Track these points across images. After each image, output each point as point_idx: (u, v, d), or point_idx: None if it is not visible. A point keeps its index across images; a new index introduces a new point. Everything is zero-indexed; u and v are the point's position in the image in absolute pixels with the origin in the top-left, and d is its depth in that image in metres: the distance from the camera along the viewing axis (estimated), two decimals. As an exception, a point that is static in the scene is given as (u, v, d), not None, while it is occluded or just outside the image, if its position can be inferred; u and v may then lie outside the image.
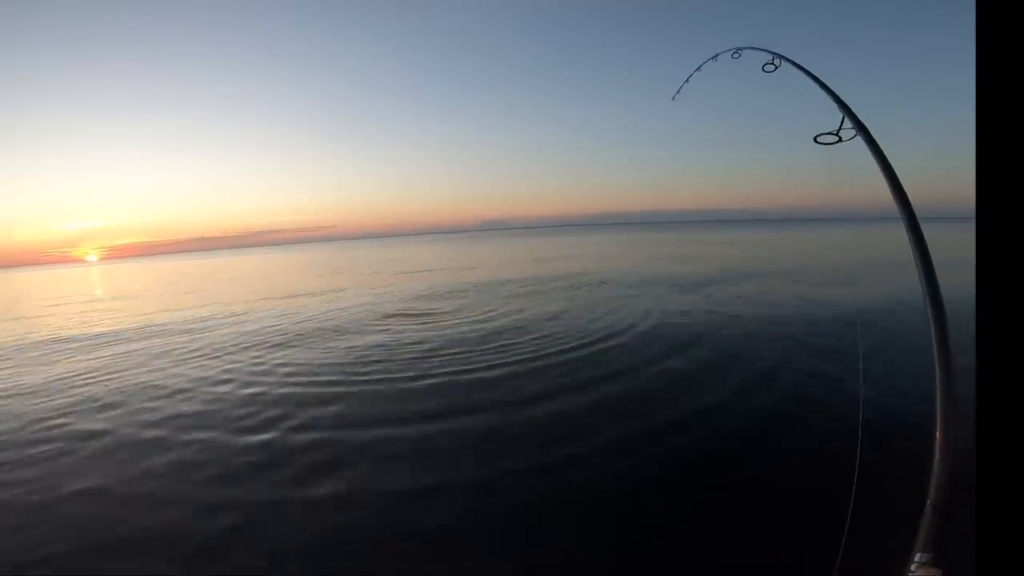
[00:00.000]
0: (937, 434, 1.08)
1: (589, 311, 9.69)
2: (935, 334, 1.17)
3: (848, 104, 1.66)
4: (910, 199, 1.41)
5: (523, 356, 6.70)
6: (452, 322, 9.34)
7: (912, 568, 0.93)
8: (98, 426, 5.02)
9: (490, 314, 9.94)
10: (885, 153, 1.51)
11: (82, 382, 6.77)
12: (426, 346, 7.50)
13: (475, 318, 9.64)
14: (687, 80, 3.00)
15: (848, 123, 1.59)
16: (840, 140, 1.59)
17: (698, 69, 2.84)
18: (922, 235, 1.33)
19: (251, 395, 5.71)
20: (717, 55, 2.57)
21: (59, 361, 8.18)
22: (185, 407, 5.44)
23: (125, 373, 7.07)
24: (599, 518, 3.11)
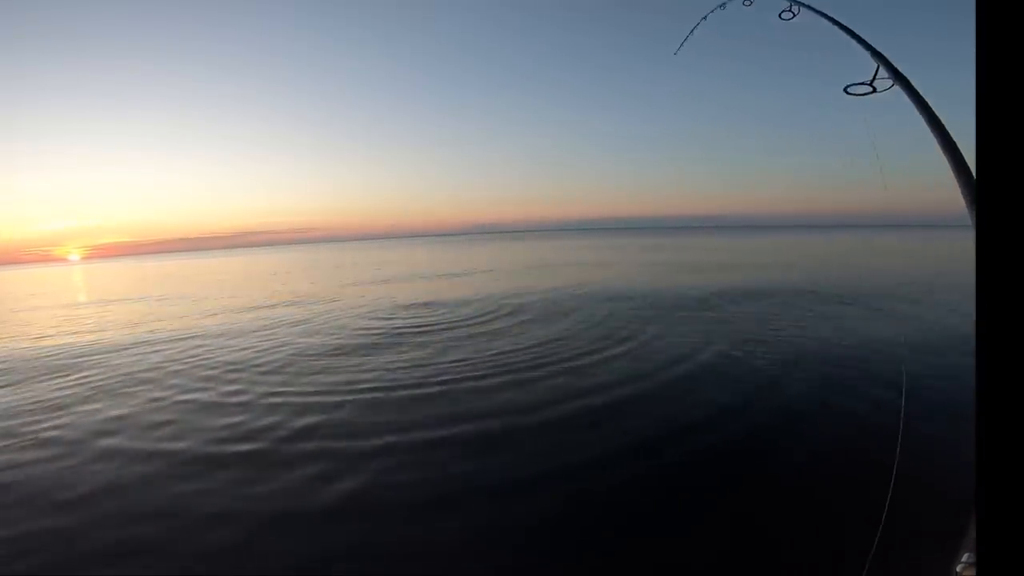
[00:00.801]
0: None
1: (597, 328, 8.95)
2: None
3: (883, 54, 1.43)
4: (964, 156, 1.17)
5: (532, 379, 6.11)
6: (448, 340, 8.62)
7: (958, 568, 0.86)
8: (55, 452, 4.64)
9: (488, 332, 9.09)
10: (930, 104, 1.27)
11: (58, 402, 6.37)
12: (423, 372, 6.61)
13: (474, 334, 8.98)
14: (692, 31, 2.70)
15: (884, 72, 1.36)
16: (874, 91, 1.36)
17: (704, 19, 2.55)
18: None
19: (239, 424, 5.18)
20: (725, 3, 2.28)
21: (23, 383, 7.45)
22: (176, 445, 4.74)
23: (108, 390, 6.68)
24: (626, 517, 3.16)
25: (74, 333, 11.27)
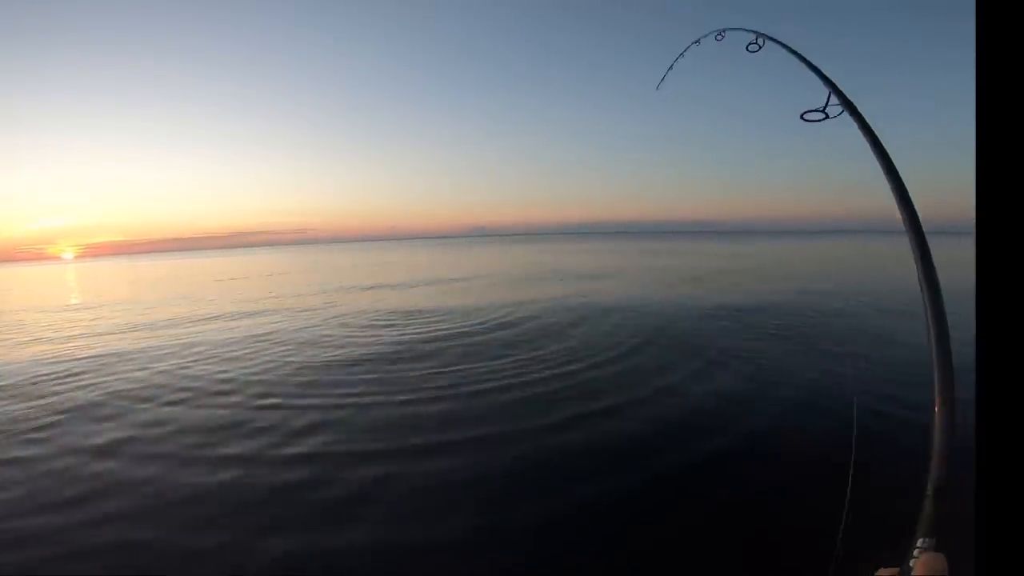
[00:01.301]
0: (936, 411, 0.99)
1: (600, 340, 8.68)
2: (930, 308, 1.06)
3: (834, 82, 1.56)
4: (903, 178, 1.28)
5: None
6: (452, 351, 8.47)
7: (915, 553, 0.88)
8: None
9: (489, 344, 8.84)
10: (874, 130, 1.39)
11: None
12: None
13: (477, 344, 8.91)
14: (671, 67, 2.90)
15: (834, 99, 1.48)
16: (827, 117, 1.49)
17: (681, 55, 2.74)
18: (914, 209, 1.21)
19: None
20: (700, 39, 2.52)
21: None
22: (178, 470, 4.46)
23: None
24: (603, 533, 3.30)
25: (68, 338, 11.25)
